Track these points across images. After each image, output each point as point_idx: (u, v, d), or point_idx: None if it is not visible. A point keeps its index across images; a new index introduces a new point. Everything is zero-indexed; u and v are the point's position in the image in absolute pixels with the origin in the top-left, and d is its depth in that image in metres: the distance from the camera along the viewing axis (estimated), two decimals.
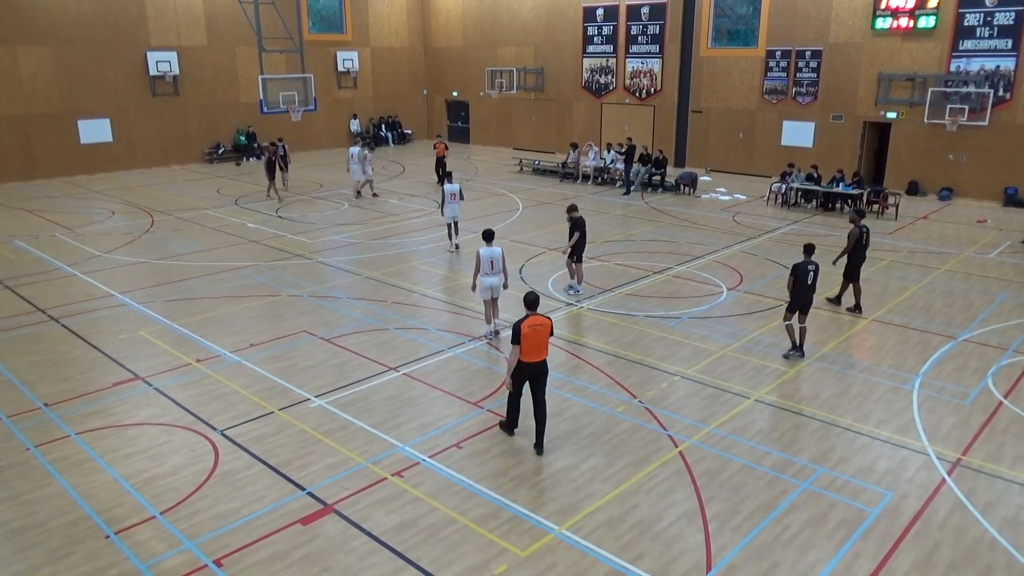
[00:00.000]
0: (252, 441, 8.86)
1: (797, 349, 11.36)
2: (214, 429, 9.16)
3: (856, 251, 12.95)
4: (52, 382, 10.50)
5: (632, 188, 24.76)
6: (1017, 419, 9.40)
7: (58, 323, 12.82)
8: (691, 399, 9.96)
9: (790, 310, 11.33)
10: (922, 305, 13.64)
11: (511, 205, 22.71)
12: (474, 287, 12.00)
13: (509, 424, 8.98)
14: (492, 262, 11.69)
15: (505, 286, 11.86)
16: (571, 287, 14.25)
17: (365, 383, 10.44)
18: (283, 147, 24.37)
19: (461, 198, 17.22)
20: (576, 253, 13.88)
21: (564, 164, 27.58)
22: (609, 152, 26.68)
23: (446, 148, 25.55)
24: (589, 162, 26.65)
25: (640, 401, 9.89)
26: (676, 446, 8.76)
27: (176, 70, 29.62)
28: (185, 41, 29.98)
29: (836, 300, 13.62)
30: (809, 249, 11.35)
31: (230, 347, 11.70)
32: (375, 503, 7.64)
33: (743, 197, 23.90)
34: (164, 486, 7.97)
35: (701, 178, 26.28)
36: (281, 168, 24.00)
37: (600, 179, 26.46)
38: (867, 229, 13.07)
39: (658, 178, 25.19)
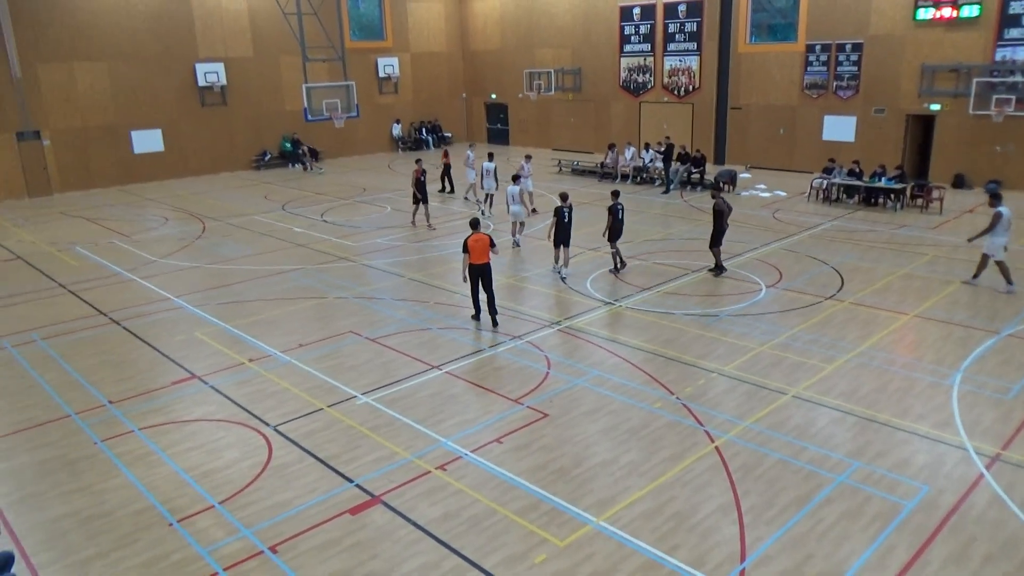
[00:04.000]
0: (303, 436, 9.29)
1: (622, 265, 15.57)
2: (267, 425, 9.61)
3: (721, 221, 15.07)
4: (115, 381, 11.11)
5: (671, 187, 24.80)
6: None
7: (119, 325, 13.50)
8: (728, 395, 10.10)
9: (611, 240, 15.30)
10: (966, 301, 13.50)
11: (551, 205, 22.93)
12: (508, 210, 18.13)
13: (475, 312, 13.04)
14: (514, 196, 17.71)
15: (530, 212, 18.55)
16: (555, 270, 15.81)
17: (409, 381, 10.82)
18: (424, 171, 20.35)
19: (496, 179, 21.57)
20: (556, 238, 15.43)
21: (603, 164, 27.72)
22: (647, 151, 26.74)
23: (446, 156, 25.17)
24: (627, 161, 26.77)
25: (677, 397, 10.06)
26: (712, 441, 8.92)
27: (223, 81, 30.59)
28: (232, 52, 30.94)
29: (718, 269, 15.43)
30: (616, 194, 15.40)
31: (280, 347, 12.20)
32: (420, 495, 7.98)
33: (783, 194, 23.75)
34: (222, 478, 8.43)
35: (741, 175, 26.18)
36: (421, 197, 20.04)
37: (639, 178, 26.54)
38: (726, 201, 15.35)
39: (697, 176, 25.18)
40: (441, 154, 26.40)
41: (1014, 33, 21.84)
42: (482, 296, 12.78)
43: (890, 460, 8.41)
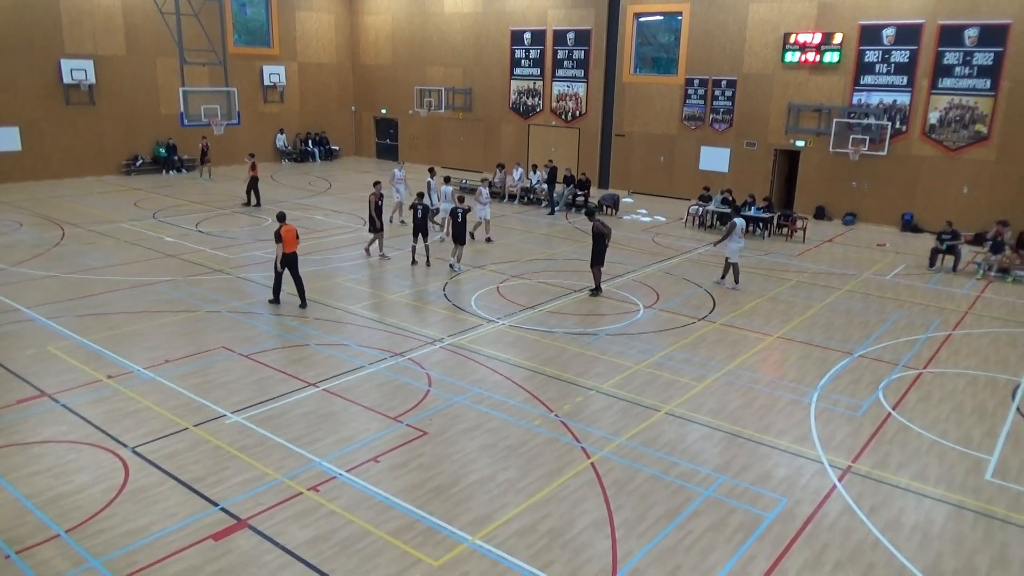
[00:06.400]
0: (164, 457, 8.73)
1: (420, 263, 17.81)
2: (124, 446, 8.98)
3: (602, 242, 15.49)
4: None
5: (556, 208, 25.32)
6: (903, 429, 10.12)
7: None
8: (605, 412, 10.32)
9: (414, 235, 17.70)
10: (823, 323, 14.47)
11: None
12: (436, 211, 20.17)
13: (275, 295, 14.37)
14: (446, 195, 19.52)
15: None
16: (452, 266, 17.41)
17: (284, 399, 10.41)
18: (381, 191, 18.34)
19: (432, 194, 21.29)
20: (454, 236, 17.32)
21: (491, 184, 27.94)
22: (535, 173, 27.22)
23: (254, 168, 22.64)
24: (515, 182, 27.15)
25: (556, 415, 10.19)
26: (588, 457, 9.07)
27: (92, 79, 28.73)
28: (102, 50, 29.14)
29: (597, 290, 15.79)
30: (421, 195, 17.91)
31: (144, 363, 11.46)
32: (290, 517, 7.66)
33: (663, 219, 24.75)
34: (70, 504, 7.78)
35: (623, 199, 27.08)
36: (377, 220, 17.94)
37: (527, 199, 26.95)
38: (604, 223, 15.67)
39: (582, 199, 25.83)
40: (248, 166, 24.65)
41: (868, 79, 23.83)
42: (290, 283, 14.39)
43: (753, 474, 8.83)
